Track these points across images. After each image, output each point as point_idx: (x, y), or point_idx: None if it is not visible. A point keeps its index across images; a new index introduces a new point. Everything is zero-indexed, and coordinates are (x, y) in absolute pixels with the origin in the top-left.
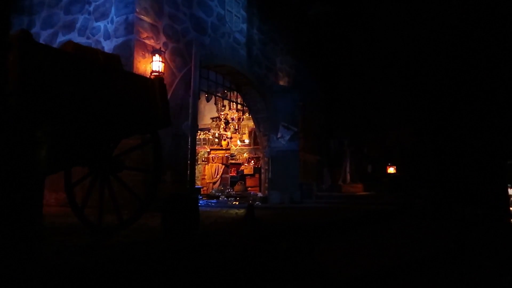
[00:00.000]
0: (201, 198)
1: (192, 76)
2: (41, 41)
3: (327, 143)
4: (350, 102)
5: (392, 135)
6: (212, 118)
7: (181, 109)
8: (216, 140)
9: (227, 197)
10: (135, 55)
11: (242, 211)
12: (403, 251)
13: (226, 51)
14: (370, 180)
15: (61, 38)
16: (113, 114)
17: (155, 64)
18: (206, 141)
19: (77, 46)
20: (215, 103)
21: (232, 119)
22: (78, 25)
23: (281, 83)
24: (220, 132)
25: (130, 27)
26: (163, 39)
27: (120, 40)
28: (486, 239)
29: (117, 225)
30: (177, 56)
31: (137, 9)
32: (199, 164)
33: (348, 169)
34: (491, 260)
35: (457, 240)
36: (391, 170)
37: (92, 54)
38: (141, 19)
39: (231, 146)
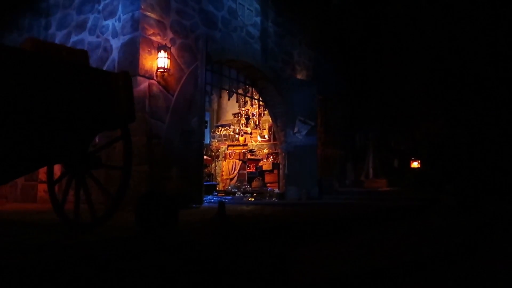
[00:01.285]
0: (216, 195)
1: (199, 72)
2: (56, 41)
3: (352, 137)
4: (377, 94)
5: (422, 127)
6: (233, 114)
7: (190, 105)
8: (237, 136)
9: (243, 194)
10: (141, 52)
11: (250, 207)
12: (400, 252)
13: (238, 46)
14: (396, 175)
15: (74, 38)
16: (72, 110)
17: (161, 61)
18: (227, 137)
19: (38, 43)
20: (237, 100)
21: (253, 114)
22: (89, 25)
23: (299, 76)
24: (240, 128)
25: (135, 24)
26: (170, 35)
27: (127, 37)
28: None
29: (91, 222)
30: (186, 51)
31: (142, 6)
32: (219, 160)
33: (371, 164)
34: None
35: (469, 238)
36: (415, 164)
37: (55, 51)
38: (147, 16)
39: (251, 142)
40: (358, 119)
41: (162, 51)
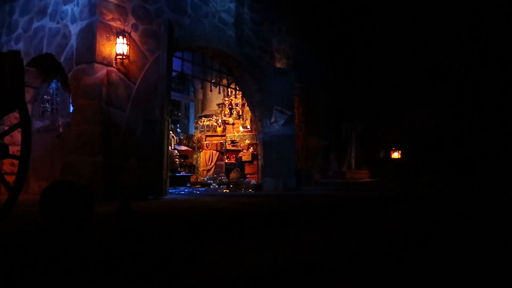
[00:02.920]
0: (189, 186)
1: (160, 59)
2: (19, 28)
3: (336, 128)
4: (363, 83)
5: (409, 117)
6: (218, 105)
7: (153, 93)
8: (223, 127)
9: (219, 185)
10: (98, 38)
11: (212, 199)
12: (335, 246)
13: (210, 32)
14: (380, 166)
15: (35, 24)
16: None
17: (119, 47)
18: (209, 128)
19: None
20: (219, 92)
21: (236, 104)
22: (49, 10)
23: (279, 65)
24: (223, 118)
25: (93, 9)
26: (132, 20)
27: (85, 23)
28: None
29: None
30: (150, 38)
31: None
32: (201, 151)
33: (353, 154)
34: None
35: (423, 230)
36: (396, 155)
37: None
38: (105, 0)
39: (233, 133)
40: (344, 109)
41: (121, 37)
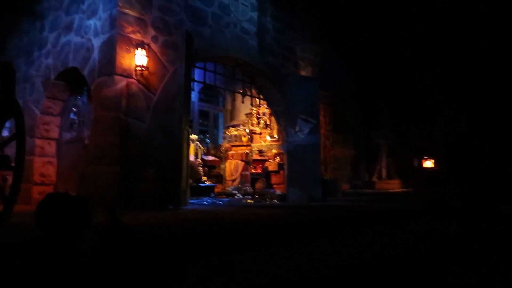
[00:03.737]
0: (214, 196)
1: (178, 69)
2: (48, 44)
3: (367, 136)
4: (392, 90)
5: (442, 125)
6: (246, 114)
7: (173, 104)
8: (248, 136)
9: (244, 195)
10: (118, 50)
11: (230, 210)
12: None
13: (231, 42)
14: (412, 175)
15: (63, 40)
16: None
17: (139, 59)
18: (237, 138)
19: None
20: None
21: (263, 114)
22: (75, 25)
23: (303, 73)
24: (250, 128)
25: (113, 23)
26: (152, 32)
27: (106, 36)
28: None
29: None
30: (169, 49)
31: (120, 3)
32: (227, 161)
33: (383, 164)
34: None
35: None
36: (428, 164)
37: None
38: (124, 13)
39: (261, 142)
40: (373, 117)
41: (140, 49)
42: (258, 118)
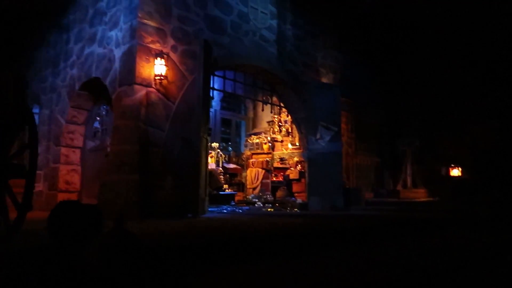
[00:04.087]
0: (234, 205)
1: (197, 78)
2: (73, 55)
3: (392, 143)
4: (420, 95)
5: (473, 131)
6: (268, 122)
7: (191, 113)
8: (269, 144)
9: (264, 204)
10: (138, 60)
11: (246, 219)
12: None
13: (250, 50)
14: (439, 184)
15: (86, 51)
16: None
17: (157, 68)
18: (259, 146)
19: None
20: (262, 109)
21: (285, 121)
22: (98, 37)
23: (325, 80)
24: (271, 135)
25: (133, 33)
26: (171, 42)
27: (126, 46)
28: None
29: (5, 231)
30: (189, 58)
31: (139, 14)
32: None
33: (409, 172)
34: None
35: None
36: (455, 172)
37: None
38: (144, 24)
39: (282, 150)
40: (399, 124)
41: (159, 58)
42: (279, 126)
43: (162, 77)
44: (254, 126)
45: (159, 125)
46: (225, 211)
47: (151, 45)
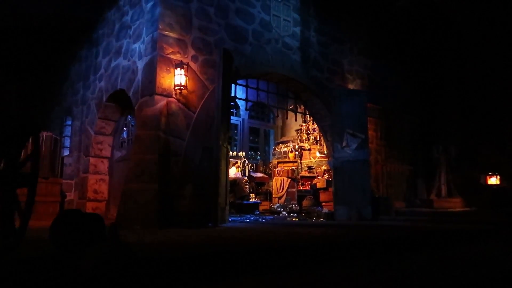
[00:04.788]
0: (258, 214)
1: (216, 87)
2: (102, 68)
3: (427, 150)
4: (455, 101)
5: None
6: (296, 130)
7: (212, 122)
8: (297, 153)
9: (289, 213)
10: (158, 71)
11: (265, 229)
12: None
13: (272, 58)
14: (477, 193)
15: (113, 63)
16: None
17: (177, 78)
18: (286, 154)
19: None
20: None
21: (314, 129)
22: (123, 50)
23: (351, 86)
24: (299, 144)
25: (154, 45)
26: (192, 52)
27: (148, 58)
28: None
29: (9, 240)
30: (210, 68)
31: (160, 26)
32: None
33: (443, 180)
34: None
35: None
36: (493, 180)
37: None
38: (165, 35)
39: (310, 159)
40: (434, 130)
41: (179, 69)
42: (308, 134)
43: (182, 87)
44: (282, 135)
45: (179, 134)
46: (248, 220)
47: (172, 56)
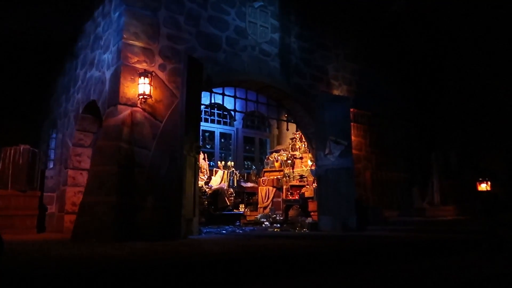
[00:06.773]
0: (239, 225)
1: (180, 96)
2: (79, 80)
3: (424, 158)
4: (457, 107)
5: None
6: (291, 139)
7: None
8: (289, 161)
9: (272, 224)
10: (122, 80)
11: (237, 240)
12: None
13: (249, 65)
14: (469, 201)
15: (88, 75)
16: None
17: (141, 87)
18: (273, 164)
19: None
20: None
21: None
22: (96, 60)
23: (337, 92)
24: (291, 152)
25: (119, 54)
26: (159, 61)
27: (113, 68)
28: None
29: None
30: (178, 76)
31: (124, 35)
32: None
33: (436, 188)
34: None
35: None
36: (483, 186)
37: None
38: (130, 45)
39: (302, 167)
40: (431, 137)
41: (143, 77)
42: (301, 142)
43: (146, 96)
44: (278, 144)
45: (145, 144)
46: (224, 231)
47: (137, 65)
